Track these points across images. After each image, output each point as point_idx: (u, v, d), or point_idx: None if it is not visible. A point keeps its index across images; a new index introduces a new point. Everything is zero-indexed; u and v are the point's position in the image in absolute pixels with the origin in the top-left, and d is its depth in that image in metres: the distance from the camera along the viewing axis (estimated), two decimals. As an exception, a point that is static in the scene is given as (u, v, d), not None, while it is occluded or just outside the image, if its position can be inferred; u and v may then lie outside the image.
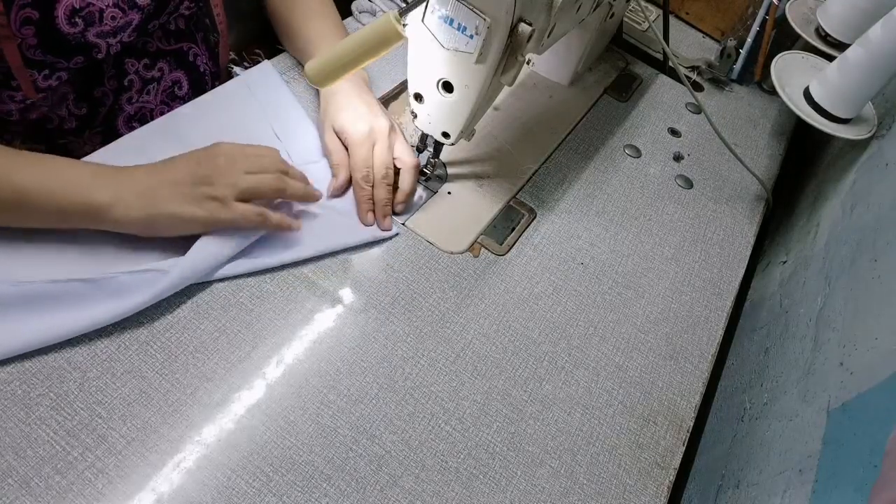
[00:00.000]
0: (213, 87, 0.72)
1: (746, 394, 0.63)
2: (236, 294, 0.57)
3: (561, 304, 0.65)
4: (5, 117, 0.61)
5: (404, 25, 0.50)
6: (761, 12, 0.95)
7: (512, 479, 0.53)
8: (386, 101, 0.78)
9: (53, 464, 0.45)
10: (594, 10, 0.73)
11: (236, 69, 0.79)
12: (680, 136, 0.88)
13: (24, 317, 0.49)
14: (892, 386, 0.41)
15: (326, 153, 0.68)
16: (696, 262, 0.73)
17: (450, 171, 0.73)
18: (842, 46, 0.86)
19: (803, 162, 0.94)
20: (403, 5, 0.56)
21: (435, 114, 0.62)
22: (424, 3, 0.52)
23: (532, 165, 0.77)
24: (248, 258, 0.58)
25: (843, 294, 0.56)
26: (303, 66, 0.76)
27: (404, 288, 0.61)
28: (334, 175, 0.67)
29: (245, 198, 0.56)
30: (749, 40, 0.95)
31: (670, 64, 0.86)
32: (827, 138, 0.86)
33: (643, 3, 0.96)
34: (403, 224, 0.67)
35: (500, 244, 0.68)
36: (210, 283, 0.56)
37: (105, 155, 0.61)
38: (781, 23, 0.94)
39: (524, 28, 0.52)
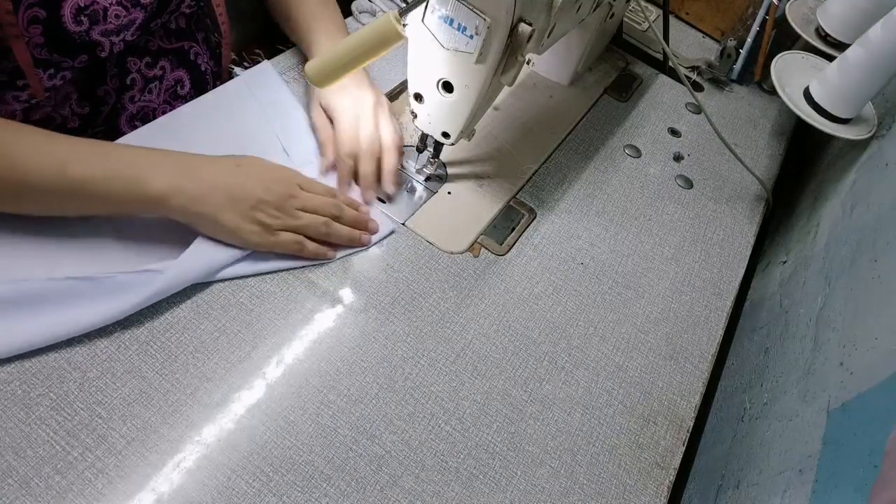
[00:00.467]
0: (215, 86, 0.72)
1: (746, 394, 0.63)
2: (236, 294, 0.57)
3: (561, 304, 0.65)
4: (9, 118, 0.61)
5: (404, 25, 0.50)
6: (761, 12, 0.95)
7: (512, 479, 0.53)
8: (386, 101, 0.78)
9: (53, 464, 0.45)
10: (594, 10, 0.73)
11: (236, 69, 0.79)
12: (680, 136, 0.88)
13: (23, 315, 0.49)
14: (892, 386, 0.41)
15: (314, 130, 0.69)
16: (696, 262, 0.73)
17: (450, 171, 0.73)
18: (842, 46, 0.86)
19: (803, 162, 0.94)
20: (403, 5, 0.56)
21: (435, 114, 0.62)
22: (424, 3, 0.52)
23: (532, 165, 0.77)
24: (248, 262, 0.58)
25: (843, 294, 0.56)
26: (303, 63, 0.76)
27: (404, 288, 0.61)
28: (322, 153, 0.67)
29: (291, 231, 0.58)
30: (749, 40, 0.95)
31: (670, 64, 0.86)
32: (827, 138, 0.86)
33: (643, 3, 0.96)
34: (403, 224, 0.67)
35: (500, 244, 0.68)
36: (210, 283, 0.56)
37: None
38: (781, 23, 0.94)
39: (524, 28, 0.53)
